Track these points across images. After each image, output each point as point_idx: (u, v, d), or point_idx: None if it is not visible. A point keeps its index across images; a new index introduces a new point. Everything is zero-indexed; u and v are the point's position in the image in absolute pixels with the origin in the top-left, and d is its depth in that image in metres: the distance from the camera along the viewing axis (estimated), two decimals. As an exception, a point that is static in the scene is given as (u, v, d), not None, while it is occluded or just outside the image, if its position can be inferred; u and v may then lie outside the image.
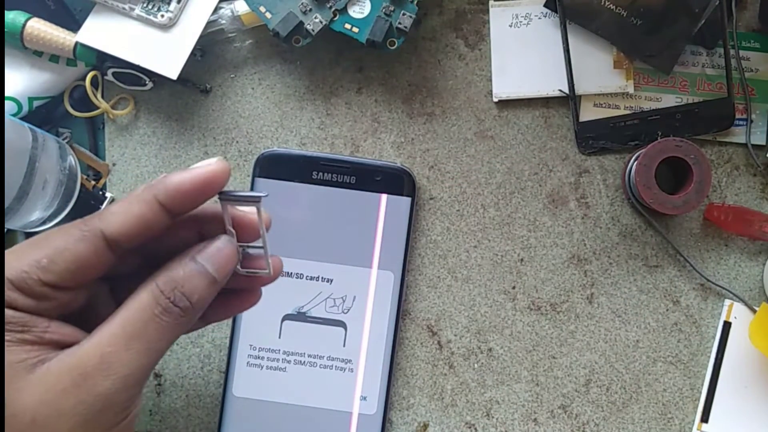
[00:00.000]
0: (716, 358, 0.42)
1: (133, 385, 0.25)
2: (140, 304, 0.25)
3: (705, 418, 0.42)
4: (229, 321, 0.40)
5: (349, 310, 0.39)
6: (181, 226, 0.28)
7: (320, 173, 0.40)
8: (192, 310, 0.26)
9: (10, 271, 0.24)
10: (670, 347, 0.42)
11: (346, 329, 0.39)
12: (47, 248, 0.24)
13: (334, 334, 0.39)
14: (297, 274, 0.39)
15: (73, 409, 0.23)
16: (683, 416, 0.42)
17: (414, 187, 0.40)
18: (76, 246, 0.24)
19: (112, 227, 0.25)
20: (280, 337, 0.39)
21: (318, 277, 0.39)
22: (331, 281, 0.39)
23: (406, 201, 0.40)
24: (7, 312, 0.24)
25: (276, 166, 0.40)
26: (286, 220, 0.40)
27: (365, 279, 0.39)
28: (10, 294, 0.24)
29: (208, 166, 0.26)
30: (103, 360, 0.24)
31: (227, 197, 0.26)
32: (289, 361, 0.39)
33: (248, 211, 0.28)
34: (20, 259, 0.24)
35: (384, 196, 0.40)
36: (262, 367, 0.39)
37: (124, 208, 0.25)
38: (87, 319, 0.27)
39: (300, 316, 0.39)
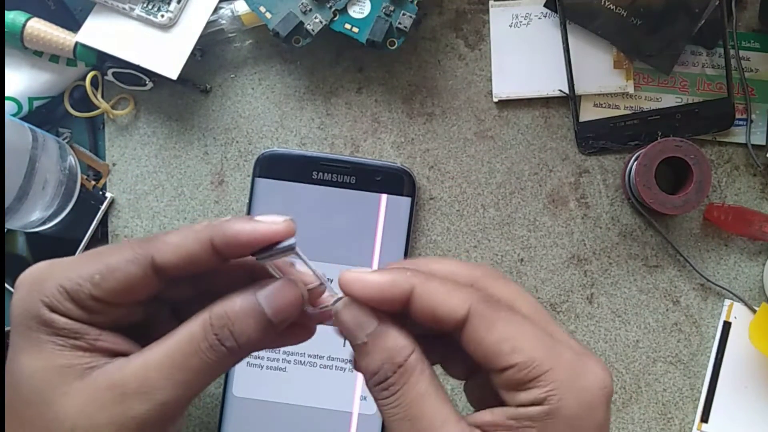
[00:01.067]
0: (716, 358, 0.42)
1: (170, 414, 0.24)
2: (189, 335, 0.24)
3: (705, 418, 0.42)
4: None
5: None
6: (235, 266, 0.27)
7: (320, 173, 0.40)
8: (239, 352, 0.25)
9: (66, 281, 0.24)
10: (670, 347, 0.42)
11: None
12: (101, 264, 0.25)
13: (334, 334, 0.39)
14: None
15: (106, 426, 0.23)
16: (683, 416, 0.42)
17: (414, 187, 0.41)
18: (126, 267, 0.24)
19: (163, 256, 0.25)
20: None
21: None
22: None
23: (406, 201, 0.40)
24: (61, 319, 0.24)
25: (276, 166, 0.40)
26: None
27: None
28: (65, 303, 0.24)
29: (273, 224, 0.25)
30: (143, 384, 0.24)
31: (264, 256, 0.25)
32: (289, 361, 0.39)
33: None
34: (77, 270, 0.25)
35: (384, 196, 0.40)
36: (262, 367, 0.39)
37: (178, 241, 0.25)
38: (146, 335, 0.27)
39: None
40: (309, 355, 0.39)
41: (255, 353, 0.38)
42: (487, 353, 0.23)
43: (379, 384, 0.24)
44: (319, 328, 0.38)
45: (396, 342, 0.24)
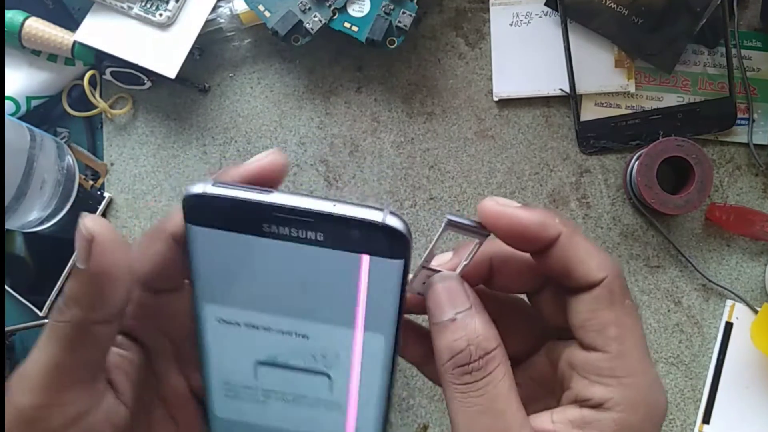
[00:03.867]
0: (718, 359, 0.42)
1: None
2: (62, 334, 0.24)
3: (706, 419, 0.41)
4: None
5: (332, 366, 0.30)
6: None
7: (273, 226, 0.26)
8: (97, 314, 0.24)
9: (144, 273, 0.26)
10: (671, 348, 0.42)
11: (330, 379, 0.30)
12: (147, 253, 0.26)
13: (317, 381, 0.31)
14: (263, 326, 0.29)
15: None
16: (684, 417, 0.42)
17: (407, 246, 0.26)
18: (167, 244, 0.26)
19: (174, 227, 0.26)
20: (256, 378, 0.31)
21: (290, 333, 0.29)
22: (307, 337, 0.30)
23: (396, 264, 0.26)
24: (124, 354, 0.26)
25: (211, 213, 0.27)
26: (232, 271, 0.28)
27: (348, 340, 0.29)
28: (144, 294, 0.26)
29: (259, 161, 0.26)
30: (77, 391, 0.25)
31: (457, 225, 0.25)
32: (269, 397, 0.31)
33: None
34: (145, 258, 0.26)
35: (365, 258, 0.26)
36: (242, 399, 0.31)
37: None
38: None
39: (275, 364, 0.31)
40: (292, 395, 0.32)
41: (231, 388, 0.32)
42: (589, 328, 0.23)
43: (460, 366, 0.23)
44: (303, 378, 0.30)
45: (488, 329, 0.23)
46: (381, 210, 0.26)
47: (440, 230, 0.25)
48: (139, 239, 0.26)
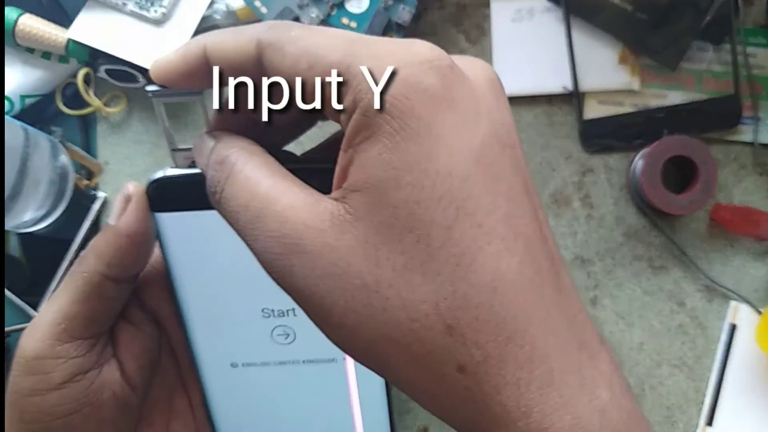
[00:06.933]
0: (721, 361, 0.41)
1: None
2: (83, 282, 0.26)
3: (710, 422, 0.41)
4: None
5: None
6: None
7: None
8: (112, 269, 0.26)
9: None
10: (674, 350, 0.42)
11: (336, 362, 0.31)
12: None
13: (324, 369, 0.31)
14: (248, 316, 0.29)
15: None
16: (687, 419, 0.41)
17: None
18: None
19: None
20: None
21: (281, 312, 0.29)
22: (296, 312, 0.30)
23: None
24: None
25: (174, 195, 0.28)
26: (205, 257, 0.29)
27: None
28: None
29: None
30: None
31: (159, 94, 0.24)
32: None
33: None
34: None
35: None
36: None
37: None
38: None
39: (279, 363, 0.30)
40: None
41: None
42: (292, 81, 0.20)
43: (212, 191, 0.22)
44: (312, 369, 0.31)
45: (216, 146, 0.23)
46: (318, 157, 0.28)
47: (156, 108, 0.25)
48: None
